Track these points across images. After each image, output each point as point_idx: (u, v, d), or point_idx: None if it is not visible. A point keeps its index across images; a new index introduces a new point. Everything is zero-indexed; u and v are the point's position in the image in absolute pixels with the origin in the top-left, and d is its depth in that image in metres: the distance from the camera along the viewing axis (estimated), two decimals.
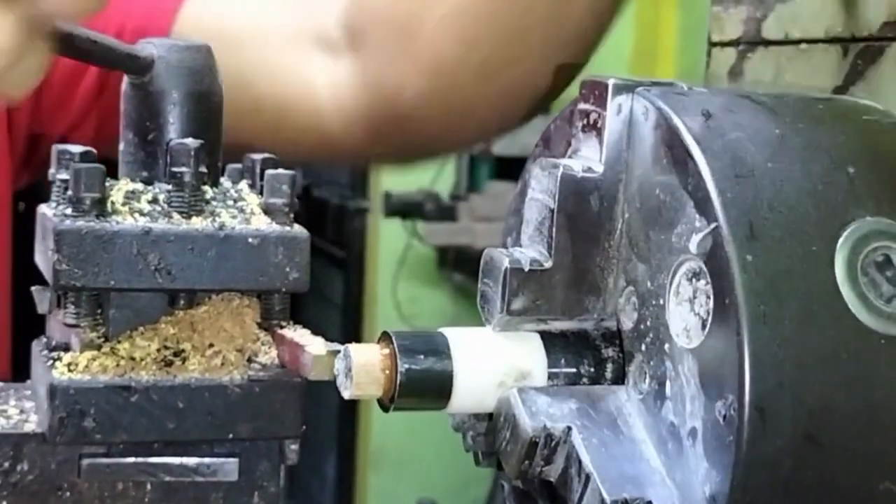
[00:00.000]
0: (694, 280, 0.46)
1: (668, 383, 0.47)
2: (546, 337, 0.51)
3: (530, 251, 0.50)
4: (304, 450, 0.57)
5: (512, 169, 2.69)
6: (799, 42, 0.63)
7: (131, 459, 0.55)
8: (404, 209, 2.78)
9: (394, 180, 2.87)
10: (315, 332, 0.54)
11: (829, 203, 0.45)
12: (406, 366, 0.49)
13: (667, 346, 0.47)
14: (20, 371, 0.62)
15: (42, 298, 0.58)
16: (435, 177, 2.87)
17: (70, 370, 0.54)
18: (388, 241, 3.00)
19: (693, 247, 0.46)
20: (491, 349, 0.50)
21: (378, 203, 2.84)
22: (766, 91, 0.55)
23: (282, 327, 0.56)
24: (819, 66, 0.61)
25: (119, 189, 0.55)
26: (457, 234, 2.63)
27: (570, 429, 0.48)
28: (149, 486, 0.55)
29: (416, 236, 2.78)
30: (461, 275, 2.75)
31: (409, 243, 2.87)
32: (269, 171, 0.57)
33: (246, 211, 0.56)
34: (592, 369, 0.51)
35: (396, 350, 0.49)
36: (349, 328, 3.01)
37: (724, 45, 0.69)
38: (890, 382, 0.44)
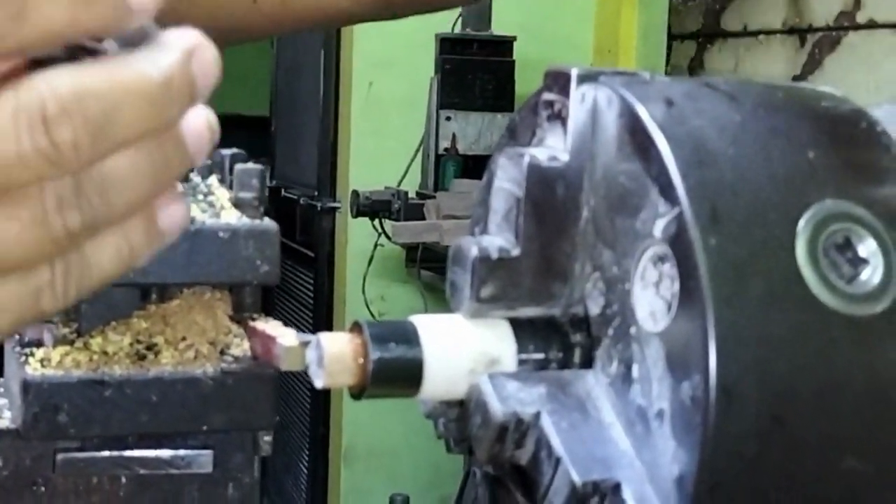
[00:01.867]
0: (659, 264, 0.47)
1: (635, 366, 0.48)
2: (515, 324, 0.52)
3: (498, 239, 0.51)
4: (277, 448, 0.58)
5: (477, 167, 2.71)
6: (757, 34, 0.64)
7: (106, 453, 0.55)
8: (372, 208, 2.78)
9: (361, 180, 2.88)
10: None
11: (789, 187, 0.46)
12: (378, 354, 0.49)
13: (633, 329, 0.48)
14: None
15: None
16: (402, 176, 2.87)
17: (43, 365, 0.54)
18: (356, 239, 3.01)
19: (658, 231, 0.46)
20: (461, 336, 0.51)
21: (346, 202, 2.84)
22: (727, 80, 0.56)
23: (253, 320, 0.56)
24: (777, 56, 0.62)
25: None
26: (424, 231, 2.64)
27: (539, 413, 0.49)
28: (123, 480, 0.55)
29: (384, 235, 2.78)
30: (429, 272, 2.76)
31: (378, 242, 2.87)
32: (239, 166, 0.57)
33: (216, 205, 0.56)
34: (561, 354, 0.51)
35: (368, 339, 0.50)
36: (319, 327, 3.01)
37: (683, 37, 0.70)
38: (852, 362, 0.45)
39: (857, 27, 0.56)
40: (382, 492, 2.89)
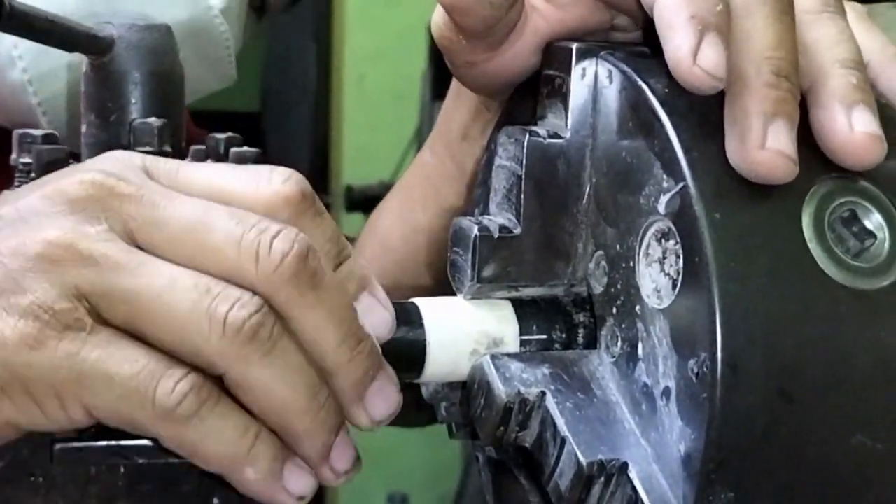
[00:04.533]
0: (663, 241, 0.46)
1: (640, 345, 0.47)
2: (517, 304, 0.51)
3: (499, 218, 0.51)
4: None
5: None
6: None
7: (103, 443, 0.54)
8: (366, 202, 2.77)
9: (355, 174, 2.87)
10: None
11: None
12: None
13: (638, 307, 0.47)
14: None
15: None
16: (395, 169, 2.87)
17: None
18: (350, 234, 3.00)
19: (661, 207, 0.46)
20: (463, 317, 0.50)
21: (340, 197, 2.84)
22: None
23: None
24: None
25: None
26: None
27: (543, 394, 0.48)
28: (122, 470, 0.54)
29: None
30: None
31: None
32: (234, 150, 0.56)
33: None
34: (564, 335, 0.51)
35: None
36: None
37: None
38: (859, 336, 0.45)
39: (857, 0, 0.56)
40: (380, 489, 2.88)
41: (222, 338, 0.42)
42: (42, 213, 0.43)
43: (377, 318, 0.46)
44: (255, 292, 0.43)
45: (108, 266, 0.42)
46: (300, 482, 0.45)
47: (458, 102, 0.66)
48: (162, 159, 0.46)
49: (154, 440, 0.46)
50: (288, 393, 0.43)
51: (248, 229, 0.43)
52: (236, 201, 0.44)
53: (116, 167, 0.44)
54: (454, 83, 0.64)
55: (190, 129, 0.92)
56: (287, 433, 0.44)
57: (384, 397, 0.46)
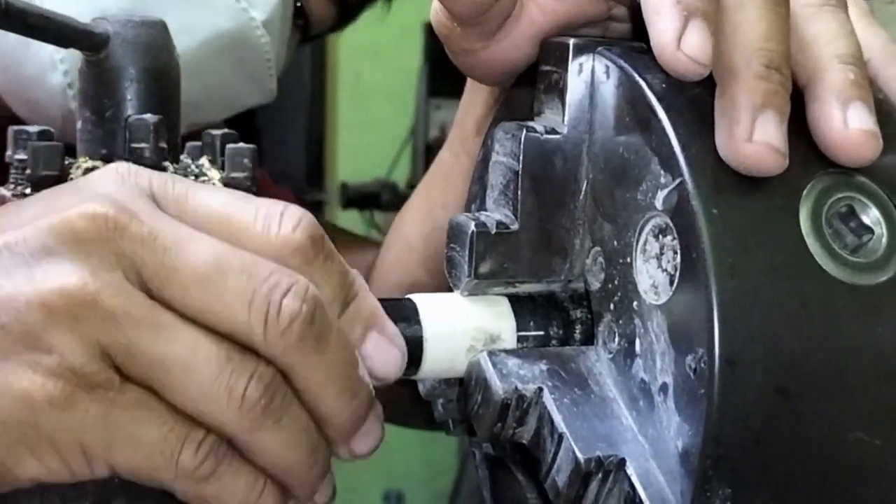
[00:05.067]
0: (660, 236, 0.46)
1: (637, 341, 0.47)
2: (514, 300, 0.51)
3: (496, 214, 0.50)
4: None
5: None
6: None
7: None
8: (361, 200, 2.77)
9: (350, 172, 2.87)
10: None
11: (792, 155, 0.45)
12: None
13: (635, 303, 0.47)
14: None
15: None
16: (391, 167, 2.86)
17: None
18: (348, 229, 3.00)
19: (659, 203, 0.46)
20: (460, 314, 0.50)
21: (335, 195, 2.84)
22: None
23: None
24: None
25: (78, 167, 0.54)
26: None
27: (541, 390, 0.48)
28: (117, 480, 0.54)
29: (373, 226, 2.77)
30: None
31: (367, 233, 2.87)
32: (230, 146, 0.56)
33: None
34: (561, 331, 0.51)
35: None
36: None
37: None
38: (857, 332, 0.44)
39: None
40: (376, 487, 2.88)
41: (239, 410, 0.43)
42: (53, 251, 0.43)
43: (385, 357, 0.47)
44: (263, 354, 0.43)
45: (130, 325, 0.42)
46: None
47: (473, 98, 0.66)
48: (171, 181, 0.46)
49: None
50: (292, 455, 0.45)
51: (260, 285, 0.43)
52: (247, 243, 0.44)
53: (123, 194, 0.44)
54: (469, 80, 0.64)
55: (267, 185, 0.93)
56: (286, 484, 0.46)
57: (369, 437, 0.47)
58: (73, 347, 0.42)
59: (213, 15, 0.81)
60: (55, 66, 0.77)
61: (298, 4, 0.90)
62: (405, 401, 0.49)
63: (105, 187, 0.45)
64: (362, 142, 3.01)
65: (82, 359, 0.42)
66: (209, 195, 0.46)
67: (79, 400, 0.42)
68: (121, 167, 0.46)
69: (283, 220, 0.45)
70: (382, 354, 0.47)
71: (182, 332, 0.43)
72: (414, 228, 0.77)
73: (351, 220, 2.86)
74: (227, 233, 0.45)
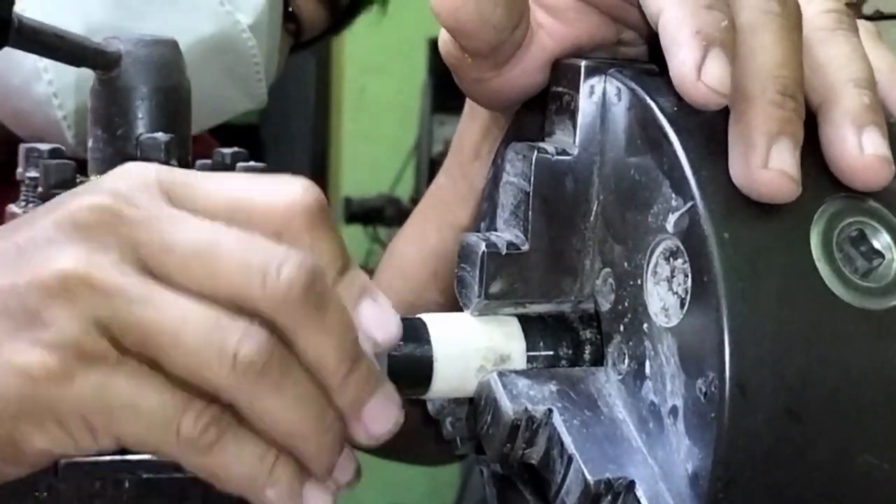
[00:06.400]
0: (671, 259, 0.46)
1: (647, 363, 0.47)
2: (524, 320, 0.51)
3: (507, 235, 0.51)
4: None
5: None
6: None
7: (108, 458, 0.54)
8: (365, 215, 2.78)
9: (354, 186, 2.87)
10: None
11: (804, 180, 0.46)
12: (388, 352, 0.49)
13: (645, 326, 0.47)
14: None
15: None
16: (395, 182, 2.87)
17: None
18: (349, 246, 2.98)
19: (670, 226, 0.46)
20: (470, 334, 0.50)
21: (339, 209, 2.84)
22: None
23: None
24: None
25: None
26: None
27: (551, 411, 0.48)
28: (127, 484, 0.54)
29: (377, 241, 2.78)
30: None
31: (371, 248, 2.87)
32: (241, 164, 0.56)
33: None
34: (571, 352, 0.51)
35: None
36: None
37: None
38: (867, 356, 0.45)
39: (864, 18, 0.56)
40: (379, 501, 2.88)
41: (233, 372, 0.42)
42: (54, 240, 0.43)
43: (382, 320, 0.46)
44: (261, 317, 0.43)
45: (123, 298, 0.42)
46: (319, 501, 0.46)
47: (470, 122, 0.66)
48: (178, 171, 0.46)
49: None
50: (296, 420, 0.44)
51: (257, 253, 0.43)
52: (255, 211, 0.44)
53: (128, 186, 0.45)
54: (467, 103, 0.64)
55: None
56: (296, 454, 0.45)
57: (383, 414, 0.46)
58: (69, 322, 0.42)
59: (197, 19, 0.80)
60: (39, 75, 0.77)
61: (290, 9, 0.90)
62: (414, 422, 0.49)
63: (110, 183, 0.45)
64: (366, 157, 3.01)
65: (78, 332, 0.42)
66: (215, 178, 0.47)
67: (77, 373, 0.43)
68: (130, 165, 0.46)
69: (291, 183, 0.45)
70: (380, 318, 0.46)
71: (174, 301, 0.43)
72: (407, 253, 0.77)
73: (354, 235, 2.86)
74: (235, 206, 0.45)
